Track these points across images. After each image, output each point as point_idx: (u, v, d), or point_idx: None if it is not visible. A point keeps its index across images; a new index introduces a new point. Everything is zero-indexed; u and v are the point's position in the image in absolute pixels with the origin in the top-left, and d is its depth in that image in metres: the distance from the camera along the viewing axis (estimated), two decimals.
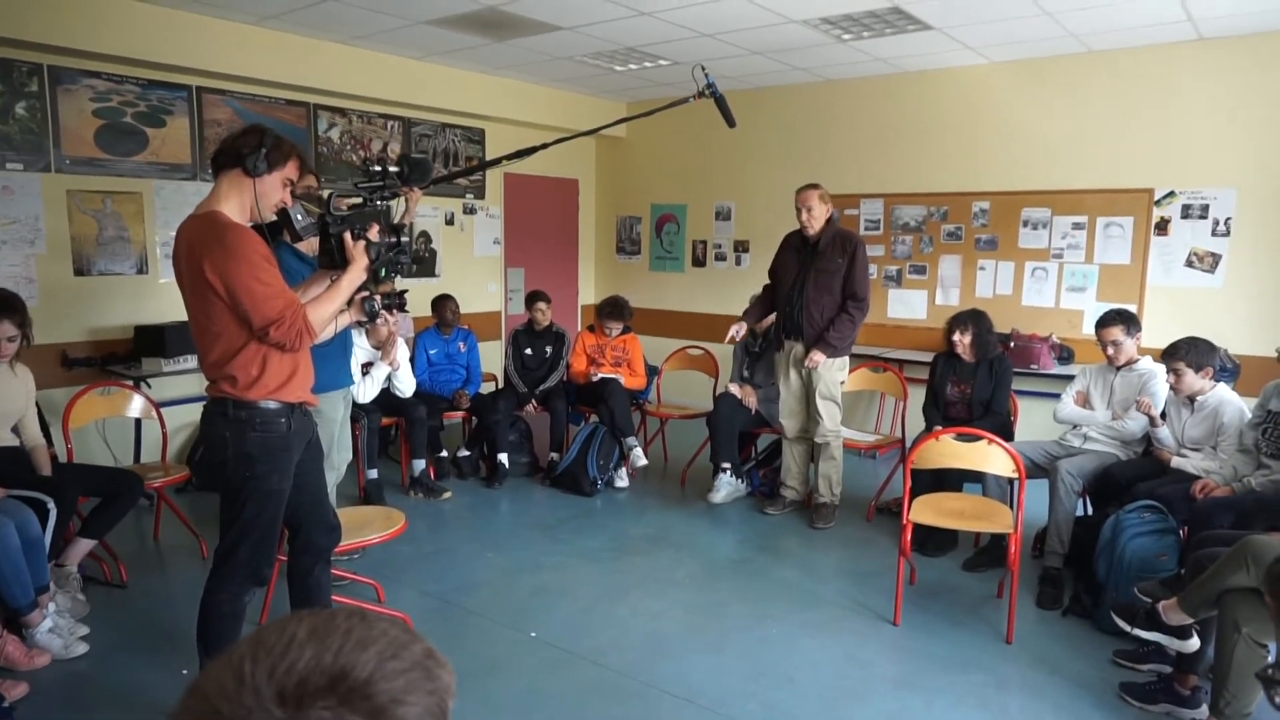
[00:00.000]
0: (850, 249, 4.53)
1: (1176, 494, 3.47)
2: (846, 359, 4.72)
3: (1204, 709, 2.75)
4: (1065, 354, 5.72)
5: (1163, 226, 5.46)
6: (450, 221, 7.08)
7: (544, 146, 3.18)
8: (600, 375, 5.56)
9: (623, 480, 5.39)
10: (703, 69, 3.24)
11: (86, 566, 3.65)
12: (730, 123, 3.31)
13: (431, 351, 5.64)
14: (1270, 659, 2.49)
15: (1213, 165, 5.25)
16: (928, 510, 3.66)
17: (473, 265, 7.30)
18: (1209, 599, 2.65)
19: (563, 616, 3.53)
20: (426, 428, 5.13)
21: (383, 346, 4.64)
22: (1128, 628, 2.91)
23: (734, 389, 5.14)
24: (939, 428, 4.06)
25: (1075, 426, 4.14)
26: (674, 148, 7.59)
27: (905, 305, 6.54)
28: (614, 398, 5.32)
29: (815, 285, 4.56)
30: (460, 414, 5.62)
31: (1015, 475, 3.44)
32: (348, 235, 2.47)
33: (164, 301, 5.17)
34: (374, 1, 4.75)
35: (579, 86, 7.09)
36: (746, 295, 5.53)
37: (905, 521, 3.52)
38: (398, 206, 3.78)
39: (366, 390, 4.64)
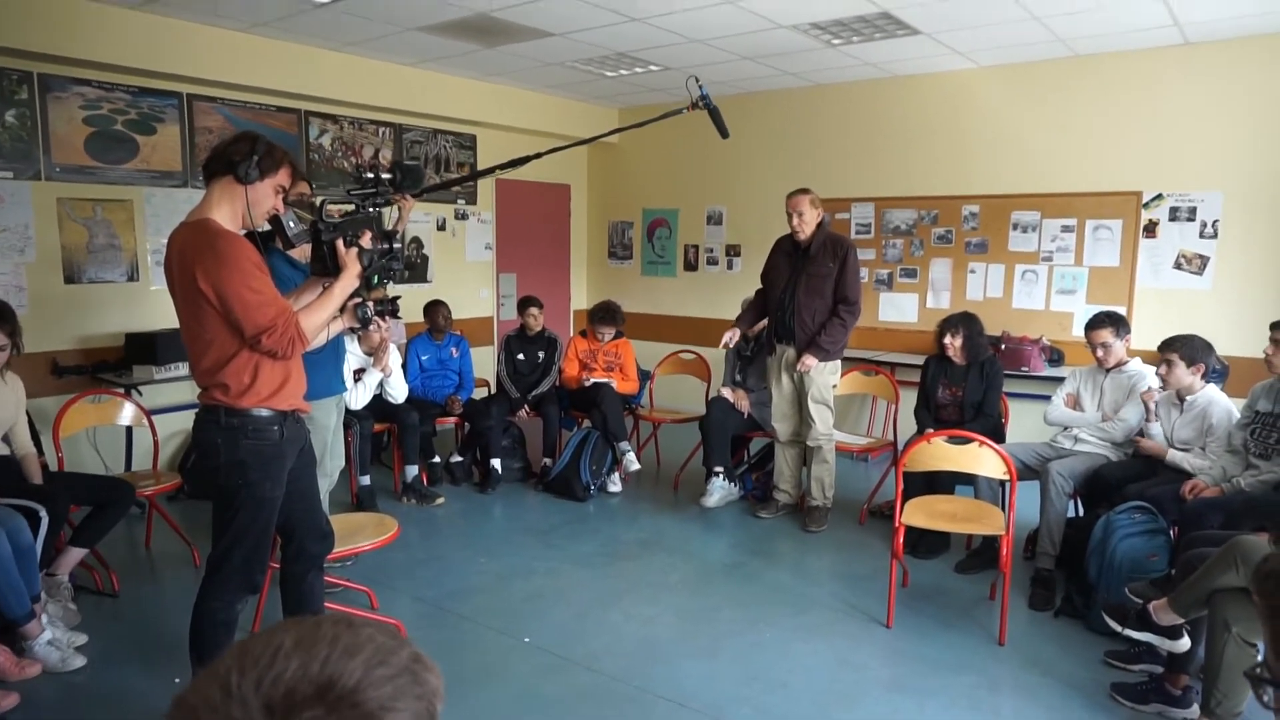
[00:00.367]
0: (841, 253, 4.55)
1: (1167, 495, 3.49)
2: (838, 362, 4.74)
3: (1195, 708, 2.77)
4: (1055, 356, 5.75)
5: (1151, 229, 5.50)
6: (442, 227, 7.07)
7: (538, 156, 3.19)
8: (593, 380, 5.57)
9: (615, 485, 5.39)
10: (696, 80, 3.26)
11: (78, 575, 3.63)
12: (724, 134, 3.33)
13: (424, 357, 5.64)
14: (1260, 658, 2.51)
15: (1200, 168, 5.29)
16: (920, 513, 3.67)
17: (465, 271, 7.29)
18: (1199, 599, 2.67)
19: (556, 622, 3.53)
20: (419, 433, 5.13)
21: (375, 353, 4.63)
22: (1119, 628, 2.93)
23: (726, 393, 5.15)
24: (930, 430, 4.08)
25: (1066, 428, 4.17)
26: (666, 153, 7.61)
27: (896, 308, 6.56)
28: (606, 402, 5.32)
29: (807, 289, 4.57)
30: (453, 420, 5.61)
31: (1007, 477, 3.46)
32: (340, 242, 2.47)
33: (155, 309, 5.15)
34: (365, 8, 4.75)
35: (570, 92, 7.10)
36: (738, 299, 5.54)
37: (897, 524, 3.54)
38: (391, 214, 3.79)
39: (359, 397, 4.62)
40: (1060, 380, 4.40)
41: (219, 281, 2.25)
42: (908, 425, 4.95)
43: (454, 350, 5.71)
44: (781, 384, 4.76)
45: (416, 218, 6.77)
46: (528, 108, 7.05)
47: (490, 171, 3.30)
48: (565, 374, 5.71)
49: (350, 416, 4.59)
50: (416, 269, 6.89)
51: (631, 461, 5.32)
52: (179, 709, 0.59)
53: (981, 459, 3.49)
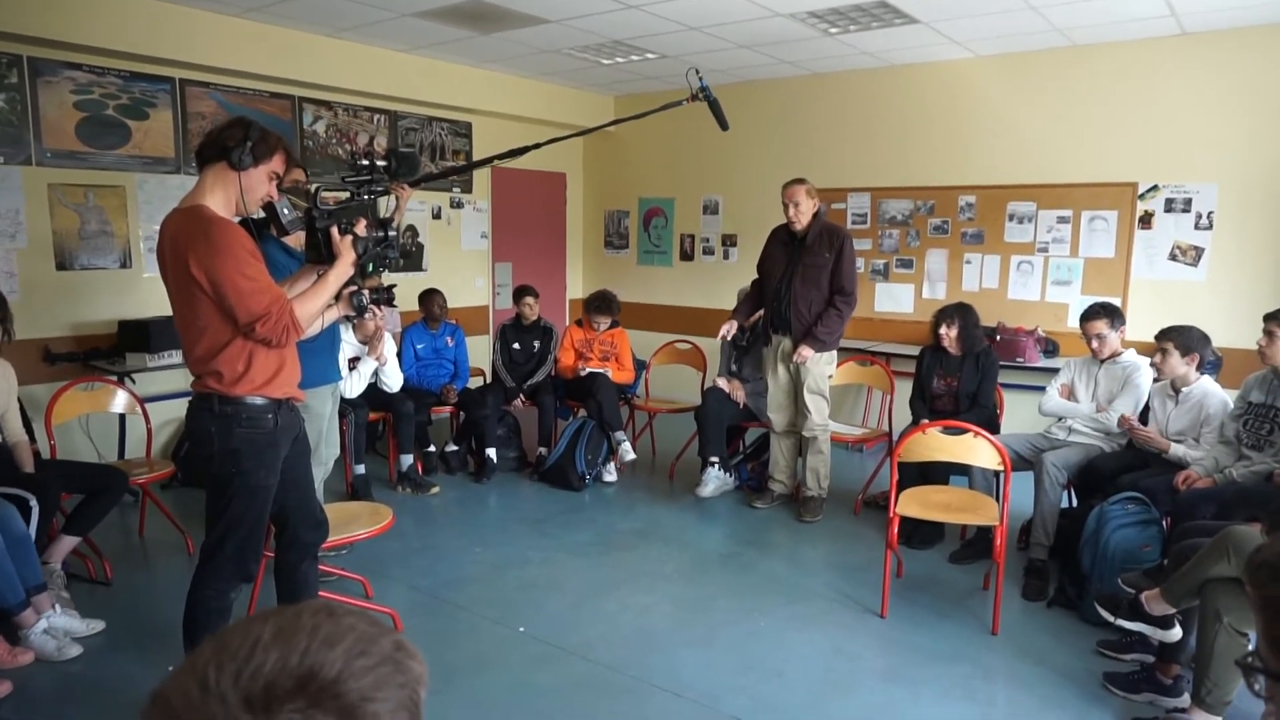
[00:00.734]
0: (837, 243, 4.54)
1: (1160, 485, 3.50)
2: (834, 353, 4.74)
3: (1186, 697, 2.79)
4: (1050, 347, 5.75)
5: (1146, 220, 5.50)
6: (437, 215, 7.05)
7: (537, 146, 3.17)
8: (588, 370, 5.56)
9: (611, 474, 5.39)
10: (697, 72, 3.25)
11: (71, 564, 3.62)
12: (724, 126, 3.31)
13: (419, 346, 5.62)
14: (1251, 647, 2.53)
15: (1195, 159, 5.29)
16: (914, 503, 3.68)
17: (460, 259, 7.27)
18: (1191, 589, 2.68)
19: (551, 611, 3.54)
20: (414, 423, 5.12)
21: (370, 341, 4.62)
22: (1111, 618, 2.94)
23: (722, 383, 5.15)
24: (925, 421, 4.08)
25: (1060, 419, 4.18)
26: (662, 142, 7.58)
27: (892, 299, 6.56)
28: (602, 392, 5.32)
29: (803, 280, 4.57)
30: (448, 409, 5.60)
31: (1001, 468, 3.47)
32: (334, 230, 2.46)
33: (148, 296, 5.12)
34: None
35: (566, 80, 7.07)
36: (734, 289, 5.53)
37: (892, 514, 3.54)
38: (388, 203, 3.77)
39: (354, 385, 4.62)
40: (1055, 371, 4.41)
41: (212, 268, 2.24)
42: (903, 416, 4.95)
43: (449, 339, 5.70)
44: (777, 374, 4.76)
45: (412, 206, 6.74)
46: (523, 95, 7.01)
47: (488, 161, 3.29)
48: (561, 363, 5.70)
49: (345, 405, 4.58)
50: (412, 257, 6.87)
51: (627, 451, 5.32)
52: (157, 704, 0.58)
53: (976, 450, 3.49)
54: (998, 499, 3.68)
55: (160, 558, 4.11)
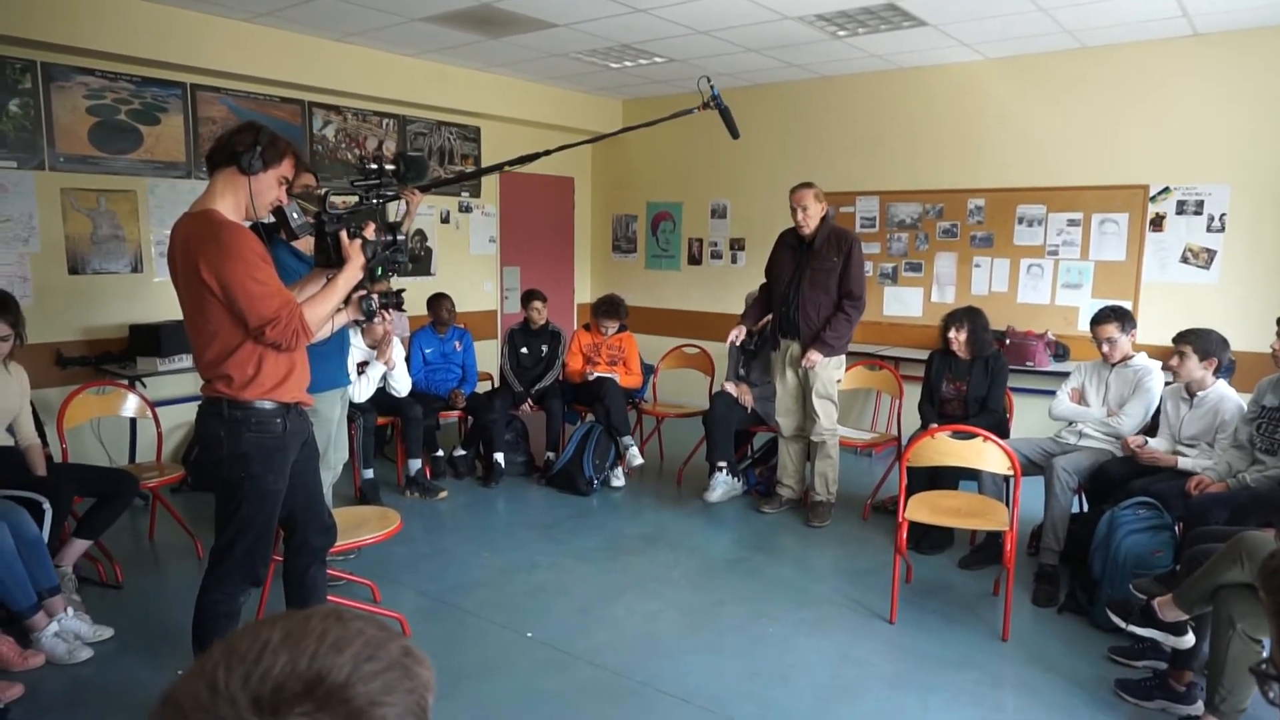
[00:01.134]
0: (846, 247, 4.53)
1: (1171, 490, 3.48)
2: (843, 357, 4.72)
3: (1199, 705, 2.76)
4: (1061, 351, 5.72)
5: (1158, 223, 5.47)
6: (446, 220, 7.07)
7: (547, 153, 3.17)
8: (596, 374, 5.56)
9: (619, 479, 5.39)
10: (708, 81, 3.25)
11: (82, 567, 3.64)
12: (734, 134, 3.31)
13: (427, 350, 5.63)
14: (1265, 654, 2.50)
15: (1207, 161, 5.26)
16: (924, 508, 3.66)
17: (469, 264, 7.29)
18: (1204, 595, 2.66)
19: (559, 616, 3.53)
20: (422, 427, 5.13)
21: (378, 346, 4.63)
22: (1123, 624, 2.92)
23: (730, 387, 5.14)
24: (935, 425, 4.06)
25: (1071, 423, 4.15)
26: (670, 146, 7.58)
27: (901, 303, 6.54)
28: (610, 396, 5.31)
29: (811, 284, 4.56)
30: (456, 413, 5.61)
31: (1011, 472, 3.45)
32: (344, 234, 2.46)
33: (159, 300, 5.15)
34: None
35: (575, 84, 7.08)
36: (743, 293, 5.53)
37: (901, 519, 3.53)
38: (398, 209, 3.78)
39: (362, 390, 4.63)
40: (1065, 375, 4.38)
41: (223, 272, 2.25)
42: (912, 420, 4.93)
43: (457, 344, 5.71)
44: (786, 379, 4.75)
45: (420, 210, 6.75)
46: (532, 99, 7.03)
47: (499, 167, 3.29)
48: (569, 368, 5.71)
49: (354, 410, 4.59)
50: (420, 262, 6.89)
51: (635, 456, 5.32)
52: (166, 706, 0.58)
53: (985, 454, 3.48)
54: (1008, 504, 3.66)
55: (170, 561, 4.13)
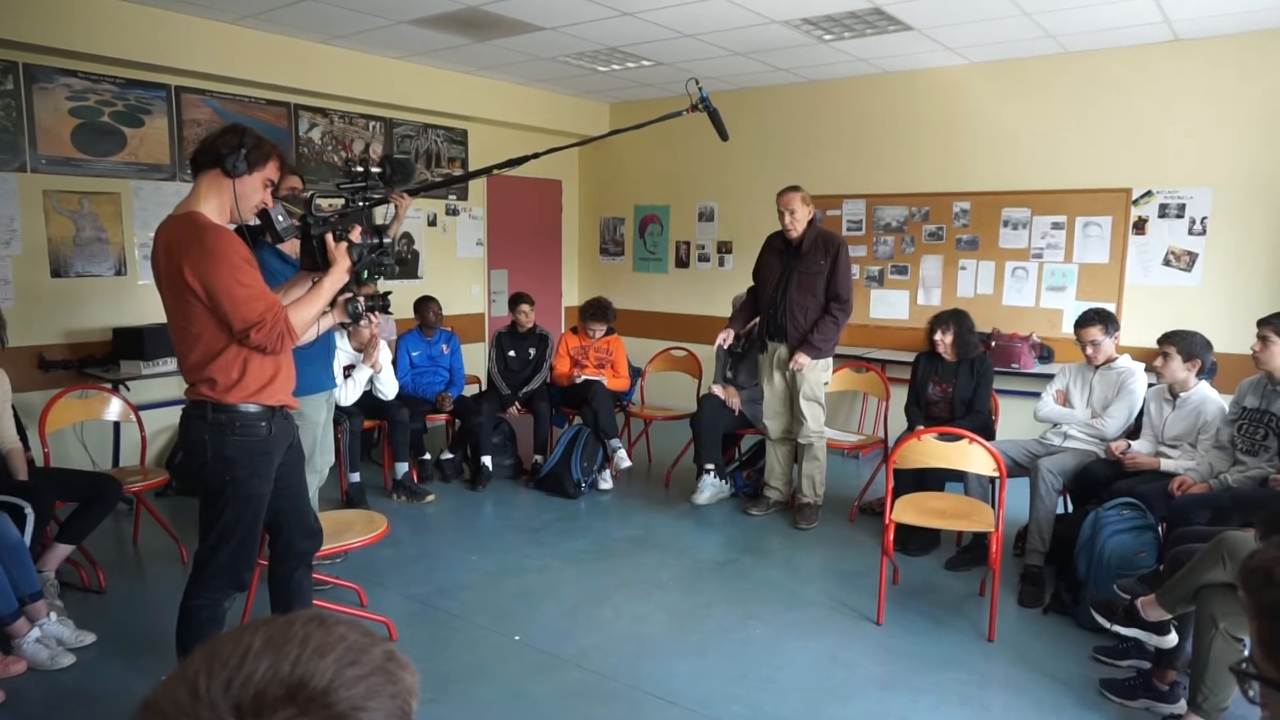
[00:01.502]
0: (833, 250, 4.55)
1: (1155, 491, 3.51)
2: (830, 360, 4.74)
3: (1183, 703, 2.78)
4: (1045, 353, 5.77)
5: (1140, 226, 5.52)
6: (433, 223, 7.05)
7: (535, 156, 3.16)
8: (584, 377, 5.56)
9: (606, 482, 5.38)
10: (696, 83, 3.25)
11: (64, 572, 3.60)
12: (723, 136, 3.32)
13: (414, 354, 5.62)
14: (1246, 653, 2.53)
15: (1188, 165, 5.31)
16: (910, 510, 3.68)
17: (456, 267, 7.27)
18: (1186, 595, 2.68)
19: (546, 619, 3.53)
20: (409, 430, 5.11)
21: (365, 349, 4.61)
22: (1107, 624, 2.94)
23: (718, 390, 5.15)
24: (921, 427, 4.08)
25: (1055, 425, 4.18)
26: (657, 149, 7.59)
27: (887, 305, 6.57)
28: (598, 399, 5.31)
29: (798, 287, 4.57)
30: (443, 416, 5.59)
31: (996, 474, 3.47)
32: (329, 237, 2.46)
33: (143, 303, 5.11)
34: (355, 1, 4.72)
35: (562, 87, 7.08)
36: (730, 296, 5.54)
37: (888, 521, 3.54)
38: (386, 212, 3.76)
39: (349, 393, 4.61)
40: (1050, 377, 4.41)
41: (207, 275, 2.23)
42: (898, 422, 4.95)
43: (444, 347, 5.70)
44: (773, 381, 4.76)
45: (407, 213, 6.74)
46: (519, 102, 7.03)
47: (487, 171, 3.28)
48: (556, 371, 5.70)
49: (340, 413, 4.57)
50: (407, 265, 6.87)
51: (622, 459, 5.32)
52: (147, 711, 0.58)
53: (971, 456, 3.49)
54: (993, 505, 3.68)
55: (154, 566, 4.09)
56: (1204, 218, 5.31)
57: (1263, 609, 1.01)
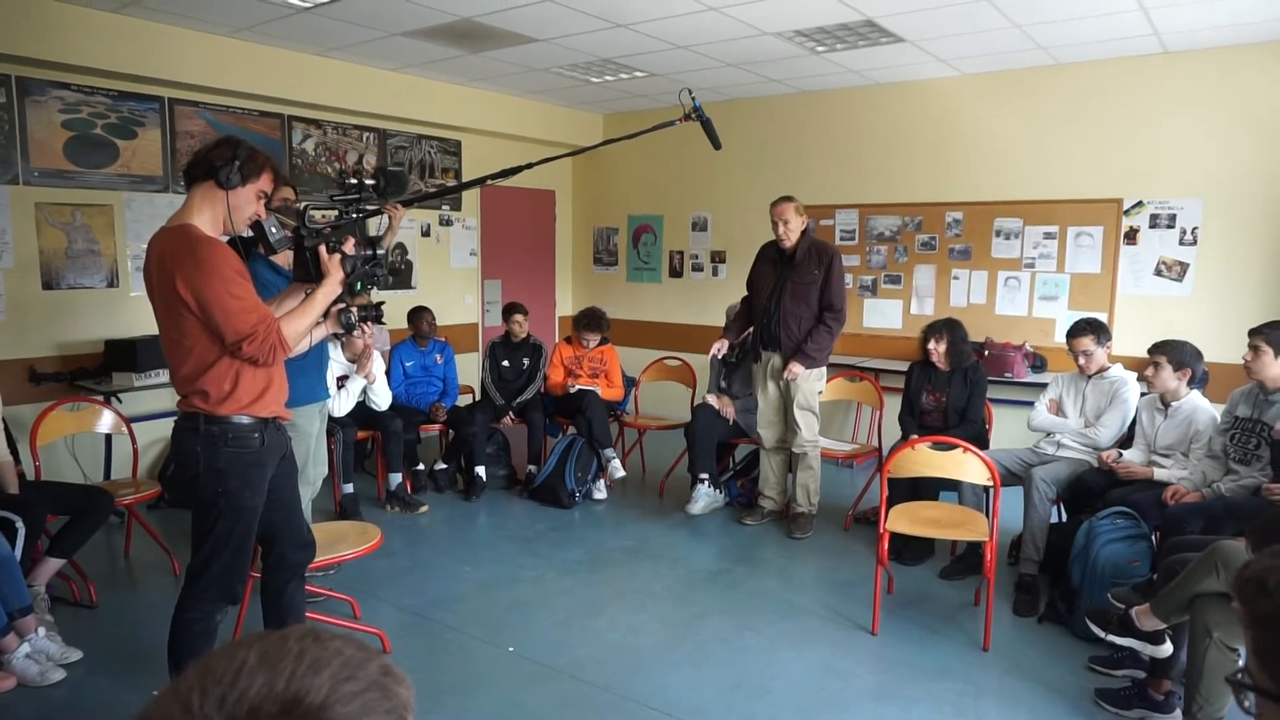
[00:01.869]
0: (826, 260, 4.56)
1: (1148, 500, 3.52)
2: (824, 369, 4.75)
3: (1178, 713, 2.79)
4: (1038, 362, 5.78)
5: (1132, 236, 5.55)
6: (426, 233, 7.05)
7: (529, 166, 3.17)
8: (578, 387, 5.55)
9: (601, 492, 5.38)
10: (690, 93, 3.26)
11: (55, 586, 3.58)
12: (716, 146, 3.33)
13: (408, 364, 5.61)
14: (1241, 663, 2.53)
15: (1179, 176, 5.35)
16: (904, 519, 3.68)
17: (449, 277, 7.27)
18: (1180, 604, 2.68)
19: (541, 630, 3.51)
20: (403, 441, 5.09)
21: (358, 359, 4.60)
22: (1102, 633, 2.94)
23: (712, 400, 5.15)
24: (915, 436, 4.09)
25: (1049, 434, 4.19)
26: (651, 159, 7.61)
27: (881, 315, 6.59)
28: (592, 409, 5.31)
29: (792, 297, 4.58)
30: (437, 427, 5.58)
31: (990, 483, 3.47)
32: (323, 248, 2.45)
33: (135, 315, 5.10)
34: (348, 13, 4.73)
35: (555, 98, 7.10)
36: (724, 306, 5.55)
37: (882, 530, 3.54)
38: (380, 223, 3.76)
39: (342, 404, 4.59)
40: (1043, 386, 4.43)
41: (199, 288, 2.23)
42: (892, 431, 4.96)
43: (438, 357, 5.69)
44: (767, 391, 4.77)
45: (401, 224, 6.74)
46: (513, 113, 7.04)
47: (481, 182, 3.29)
48: (550, 381, 5.70)
49: (333, 424, 4.56)
50: (401, 275, 6.86)
51: (616, 468, 5.31)
52: None
53: (965, 465, 3.50)
54: (987, 514, 3.68)
55: (146, 579, 4.07)
56: (1194, 228, 5.34)
57: (1257, 619, 1.01)
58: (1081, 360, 4.07)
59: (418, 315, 5.64)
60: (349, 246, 2.51)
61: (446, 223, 7.20)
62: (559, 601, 3.82)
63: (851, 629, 3.56)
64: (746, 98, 6.90)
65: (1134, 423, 3.98)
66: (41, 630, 3.13)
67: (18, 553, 3.16)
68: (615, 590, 3.99)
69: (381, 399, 4.76)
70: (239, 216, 2.38)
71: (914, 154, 6.29)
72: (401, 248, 6.84)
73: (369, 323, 2.76)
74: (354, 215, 2.62)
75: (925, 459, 3.57)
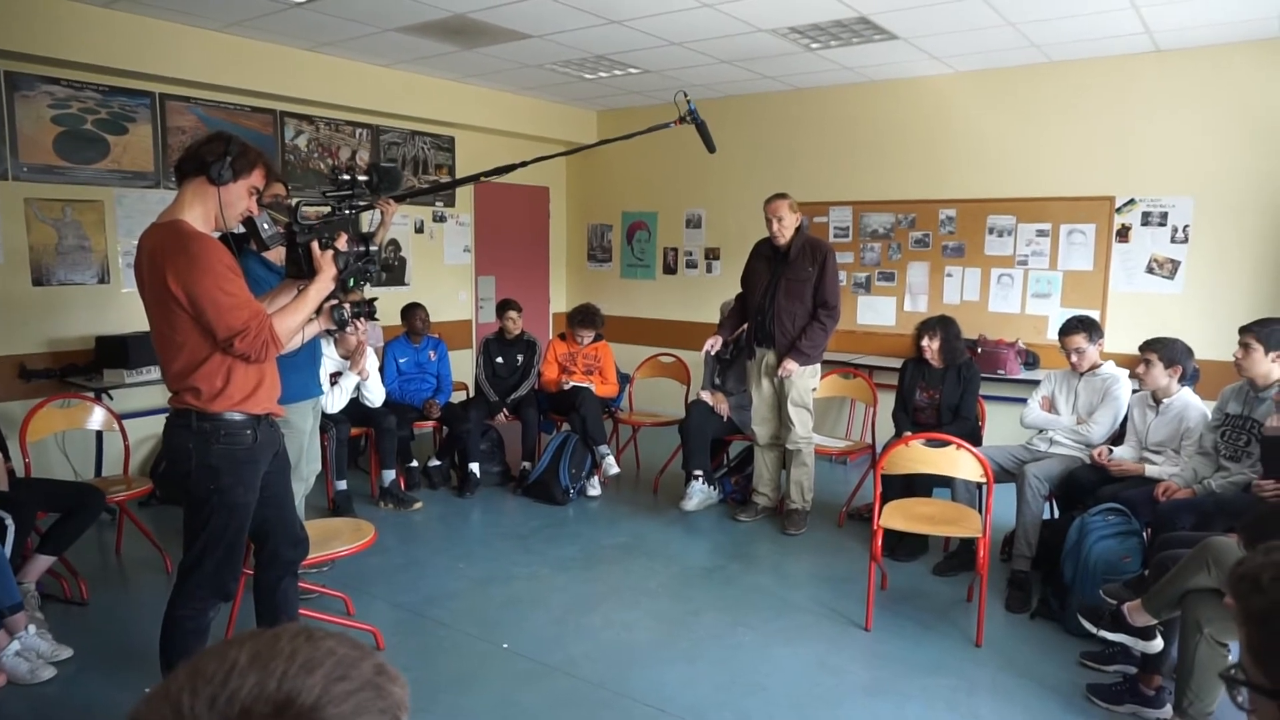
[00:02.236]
0: (820, 257, 4.57)
1: (1140, 496, 3.53)
2: (818, 366, 4.75)
3: (1168, 708, 2.80)
4: (1031, 359, 5.80)
5: (1124, 233, 5.57)
6: (420, 229, 7.03)
7: (524, 164, 3.17)
8: (572, 383, 5.55)
9: (595, 489, 5.37)
10: (685, 95, 3.27)
11: (46, 584, 3.56)
12: (711, 149, 3.33)
13: (401, 360, 5.59)
14: (1232, 659, 2.54)
15: (1171, 174, 5.37)
16: (898, 515, 3.68)
17: (443, 273, 7.25)
18: (1171, 600, 2.70)
19: (535, 627, 3.51)
20: (396, 438, 5.08)
21: (351, 356, 4.59)
22: (1094, 629, 2.96)
23: (706, 396, 5.15)
24: (908, 433, 4.10)
25: (1041, 431, 4.20)
26: (644, 156, 7.60)
27: (874, 312, 6.60)
28: (586, 406, 5.30)
29: (786, 294, 4.59)
30: (431, 423, 5.57)
31: (983, 480, 3.48)
32: (315, 245, 2.44)
33: (126, 312, 5.06)
34: (341, 8, 4.71)
35: (549, 94, 7.09)
36: (718, 303, 5.55)
37: (876, 527, 3.55)
38: (372, 219, 3.75)
39: (335, 400, 4.58)
40: (1036, 383, 4.44)
41: (190, 284, 2.22)
42: (886, 428, 4.97)
43: (432, 353, 5.68)
44: (761, 387, 4.77)
45: (394, 220, 6.72)
46: (506, 110, 7.02)
47: (475, 179, 3.28)
48: (544, 377, 5.69)
49: (326, 420, 4.54)
50: (394, 272, 6.84)
51: (611, 465, 5.31)
52: None
53: (959, 462, 3.51)
54: (980, 511, 3.69)
55: (137, 577, 4.05)
56: (1186, 226, 5.36)
57: (1251, 615, 1.01)
58: (1074, 358, 4.09)
59: (411, 312, 5.62)
60: (341, 243, 2.50)
61: (440, 219, 7.18)
62: (553, 598, 3.82)
63: (845, 625, 3.57)
64: (740, 94, 6.89)
65: (1125, 420, 4.00)
66: (32, 628, 3.11)
67: (8, 550, 3.14)
68: (610, 587, 3.99)
69: (375, 395, 4.75)
70: (231, 212, 2.37)
71: (907, 151, 6.30)
72: (395, 244, 6.82)
73: (362, 319, 2.74)
74: (347, 211, 2.61)
75: (919, 456, 3.58)
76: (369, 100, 6.09)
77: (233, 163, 2.32)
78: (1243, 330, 3.47)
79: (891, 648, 3.37)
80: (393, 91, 6.20)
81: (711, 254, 7.43)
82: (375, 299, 2.81)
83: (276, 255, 3.01)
